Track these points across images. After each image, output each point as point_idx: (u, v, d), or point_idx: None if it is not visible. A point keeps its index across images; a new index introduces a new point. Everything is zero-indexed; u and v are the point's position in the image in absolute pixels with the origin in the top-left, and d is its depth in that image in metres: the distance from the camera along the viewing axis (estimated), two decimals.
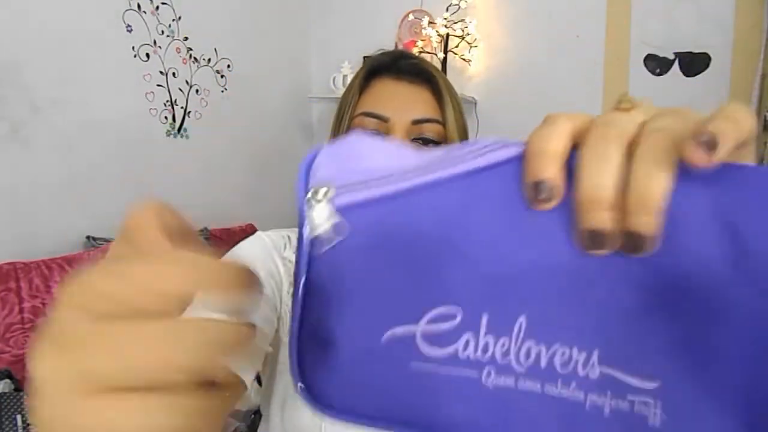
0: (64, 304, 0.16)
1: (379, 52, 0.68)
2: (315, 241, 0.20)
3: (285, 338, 0.61)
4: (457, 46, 2.58)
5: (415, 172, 0.20)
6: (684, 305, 0.18)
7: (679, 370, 0.18)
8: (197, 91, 2.37)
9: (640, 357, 0.18)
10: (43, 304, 1.54)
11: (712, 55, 2.26)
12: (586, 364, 0.19)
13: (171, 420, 0.15)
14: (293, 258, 0.63)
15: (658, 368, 0.18)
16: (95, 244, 1.85)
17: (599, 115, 0.20)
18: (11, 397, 1.27)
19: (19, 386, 1.31)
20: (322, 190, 0.20)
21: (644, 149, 0.18)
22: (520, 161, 0.19)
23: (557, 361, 0.19)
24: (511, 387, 0.19)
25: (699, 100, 2.17)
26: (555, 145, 0.18)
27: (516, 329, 0.19)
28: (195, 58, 2.35)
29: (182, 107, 2.31)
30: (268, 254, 0.62)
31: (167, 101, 2.24)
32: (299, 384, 0.21)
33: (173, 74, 2.25)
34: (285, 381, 0.60)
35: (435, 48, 2.60)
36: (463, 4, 2.55)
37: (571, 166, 0.19)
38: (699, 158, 0.17)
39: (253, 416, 1.51)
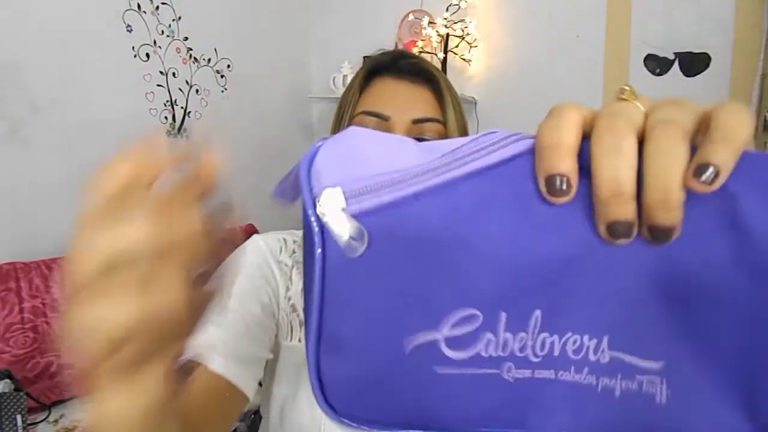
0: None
1: (380, 52, 0.68)
2: (337, 249, 0.19)
3: (284, 342, 0.61)
4: (457, 46, 2.58)
5: (424, 173, 0.19)
6: (688, 291, 0.19)
7: (682, 351, 0.19)
8: (197, 91, 2.37)
9: (647, 341, 0.19)
10: (43, 304, 1.54)
11: (712, 55, 2.26)
12: (597, 350, 0.19)
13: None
14: (289, 261, 0.63)
15: (663, 350, 0.19)
16: None
17: (604, 106, 0.20)
18: (11, 397, 1.27)
19: (19, 386, 1.31)
20: (332, 199, 0.19)
21: (656, 143, 0.18)
22: (530, 156, 0.19)
23: (570, 348, 0.19)
24: (529, 377, 0.20)
25: (699, 101, 2.16)
26: (566, 137, 0.18)
27: (532, 323, 0.19)
28: (195, 58, 2.35)
29: (182, 107, 2.31)
30: (264, 260, 0.62)
31: (167, 101, 2.24)
32: (319, 396, 0.20)
33: (173, 74, 2.25)
34: (283, 385, 0.60)
35: (435, 48, 2.60)
36: (463, 4, 2.55)
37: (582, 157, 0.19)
38: (700, 188, 0.17)
39: (253, 416, 1.51)
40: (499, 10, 2.60)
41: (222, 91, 2.49)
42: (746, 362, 0.19)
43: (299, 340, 0.60)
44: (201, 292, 0.21)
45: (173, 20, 2.24)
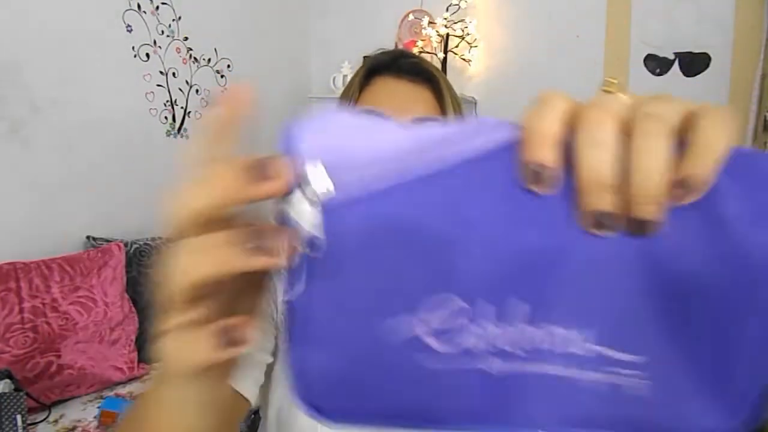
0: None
1: (379, 51, 0.68)
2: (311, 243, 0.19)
3: (282, 345, 0.61)
4: (457, 46, 2.58)
5: (410, 161, 0.19)
6: (672, 287, 0.19)
7: (666, 347, 0.19)
8: (197, 91, 2.38)
9: (632, 336, 0.19)
10: (43, 304, 1.54)
11: (712, 55, 2.26)
12: (583, 344, 0.20)
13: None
14: None
15: (647, 346, 0.20)
16: (95, 244, 1.85)
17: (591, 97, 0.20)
18: (11, 397, 1.27)
19: (19, 386, 1.31)
20: (319, 189, 0.19)
21: (640, 137, 0.18)
22: (517, 144, 0.19)
23: (556, 342, 0.20)
24: (516, 372, 0.20)
25: (699, 101, 2.16)
26: (550, 126, 0.18)
27: (520, 317, 0.19)
28: (195, 58, 2.35)
29: (182, 107, 2.31)
30: None
31: (167, 101, 2.24)
32: (298, 395, 0.20)
33: (173, 74, 2.25)
34: (281, 388, 0.60)
35: (435, 48, 2.61)
36: (463, 4, 2.55)
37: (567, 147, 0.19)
38: (680, 200, 0.18)
39: (253, 416, 1.51)
40: (499, 10, 2.60)
41: (222, 91, 2.49)
42: (727, 359, 0.19)
43: None
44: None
45: (173, 20, 2.24)
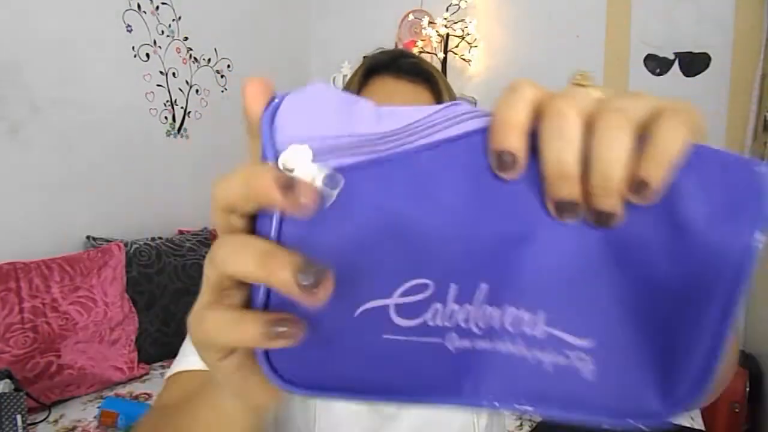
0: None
1: (378, 51, 0.68)
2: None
3: None
4: (457, 46, 2.58)
5: (387, 141, 0.20)
6: (623, 276, 0.20)
7: (614, 333, 0.21)
8: (197, 91, 2.38)
9: (581, 320, 0.21)
10: (43, 304, 1.54)
11: (712, 55, 2.26)
12: (534, 325, 0.21)
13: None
14: None
15: (595, 330, 0.21)
16: (95, 244, 1.85)
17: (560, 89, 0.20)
18: (11, 397, 1.27)
19: (19, 386, 1.31)
20: (297, 153, 0.19)
21: (601, 131, 0.18)
22: (486, 131, 0.20)
23: (508, 321, 0.21)
24: (469, 348, 0.21)
25: (699, 100, 2.16)
26: (518, 114, 0.19)
27: (478, 296, 0.20)
28: (195, 58, 2.36)
29: (182, 107, 2.31)
30: None
31: (167, 101, 2.24)
32: (263, 361, 0.21)
33: (173, 74, 2.26)
34: None
35: (435, 48, 2.61)
36: (463, 4, 2.55)
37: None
38: (636, 200, 0.19)
39: None
40: (499, 10, 2.60)
41: (222, 91, 2.49)
42: (673, 348, 0.20)
43: None
44: None
45: (173, 20, 2.24)
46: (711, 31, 2.25)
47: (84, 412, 1.51)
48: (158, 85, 2.19)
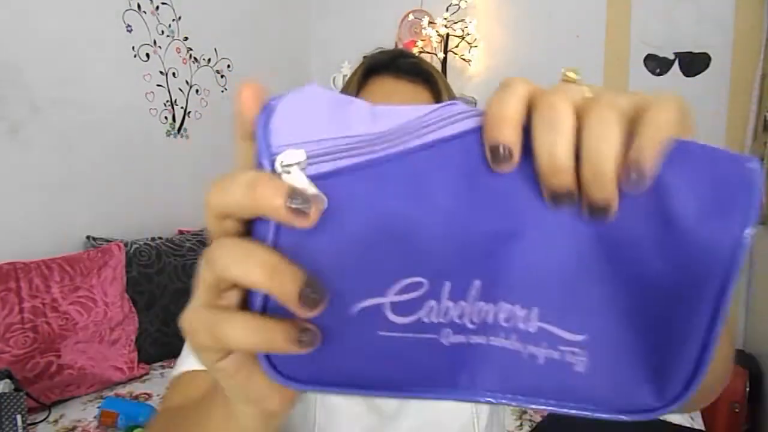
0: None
1: (378, 51, 0.67)
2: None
3: None
4: (457, 46, 2.58)
5: (379, 142, 0.20)
6: (615, 272, 0.20)
7: (605, 328, 0.21)
8: (197, 91, 2.38)
9: (574, 315, 0.21)
10: (43, 304, 1.54)
11: (712, 55, 2.26)
12: (527, 320, 0.21)
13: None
14: None
15: (587, 325, 0.21)
16: (95, 244, 1.85)
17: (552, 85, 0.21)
18: (11, 397, 1.27)
19: (19, 386, 1.31)
20: (293, 157, 0.19)
21: (591, 123, 0.19)
22: (479, 130, 0.20)
23: (502, 317, 0.21)
24: (464, 343, 0.21)
25: (699, 100, 2.16)
26: (511, 109, 0.19)
27: (472, 293, 0.21)
28: (195, 58, 2.36)
29: (182, 107, 2.31)
30: None
31: (167, 101, 2.24)
32: (263, 358, 0.21)
33: (173, 74, 2.26)
34: None
35: (435, 48, 2.61)
36: (463, 4, 2.55)
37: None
38: (630, 187, 0.19)
39: None
40: (499, 10, 2.60)
41: (222, 91, 2.49)
42: (665, 344, 0.21)
43: None
44: None
45: (173, 20, 2.24)
46: (711, 31, 2.25)
47: (84, 412, 1.51)
48: (158, 85, 2.19)
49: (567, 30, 2.47)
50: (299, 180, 0.19)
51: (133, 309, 1.81)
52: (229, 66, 2.52)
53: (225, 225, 0.21)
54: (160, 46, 2.18)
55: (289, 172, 0.19)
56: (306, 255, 0.19)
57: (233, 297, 0.22)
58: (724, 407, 1.77)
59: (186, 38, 2.30)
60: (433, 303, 0.21)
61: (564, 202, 0.19)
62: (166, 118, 2.24)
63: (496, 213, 0.20)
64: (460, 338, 0.21)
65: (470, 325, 0.21)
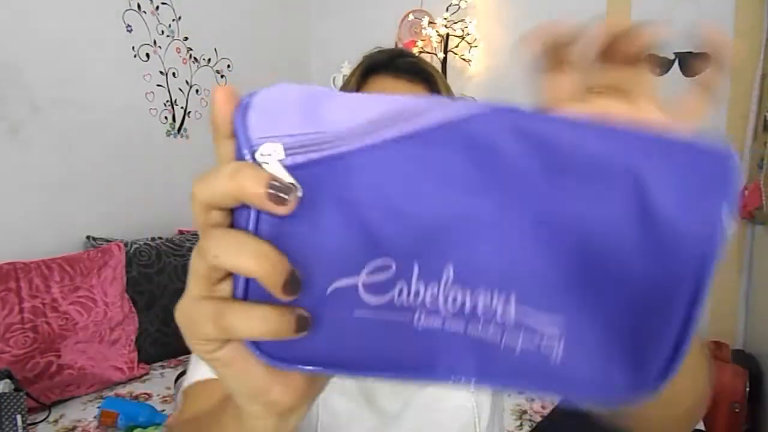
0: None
1: (377, 50, 0.67)
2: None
3: None
4: (457, 46, 2.58)
5: (353, 134, 0.20)
6: (592, 260, 0.20)
7: (581, 313, 0.21)
8: (197, 91, 2.38)
9: (550, 300, 0.21)
10: (43, 304, 1.55)
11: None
12: (504, 309, 0.21)
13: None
14: None
15: (563, 310, 0.21)
16: (95, 244, 1.85)
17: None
18: (11, 397, 1.27)
19: (19, 386, 1.31)
20: (271, 150, 0.20)
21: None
22: (455, 123, 0.20)
23: (479, 304, 0.21)
24: (438, 328, 0.22)
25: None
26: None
27: (444, 276, 0.21)
28: (195, 58, 2.36)
29: (182, 107, 2.31)
30: None
31: (167, 101, 2.24)
32: (249, 342, 0.22)
33: (173, 74, 2.26)
34: None
35: (435, 48, 2.61)
36: (463, 4, 2.55)
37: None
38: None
39: None
40: (499, 10, 2.60)
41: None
42: (640, 329, 0.21)
43: None
44: None
45: (173, 20, 2.24)
46: None
47: (84, 412, 1.51)
48: (158, 85, 2.19)
49: None
50: (277, 170, 0.20)
51: (133, 309, 1.81)
52: (229, 66, 2.52)
53: (211, 216, 0.21)
54: (160, 46, 2.18)
55: (267, 163, 0.20)
56: (283, 241, 0.20)
57: (227, 287, 0.22)
58: (724, 407, 1.77)
59: (186, 38, 2.30)
60: (403, 285, 0.21)
61: None
62: (166, 118, 2.24)
63: (466, 196, 0.20)
64: (433, 323, 0.22)
65: (444, 311, 0.21)
